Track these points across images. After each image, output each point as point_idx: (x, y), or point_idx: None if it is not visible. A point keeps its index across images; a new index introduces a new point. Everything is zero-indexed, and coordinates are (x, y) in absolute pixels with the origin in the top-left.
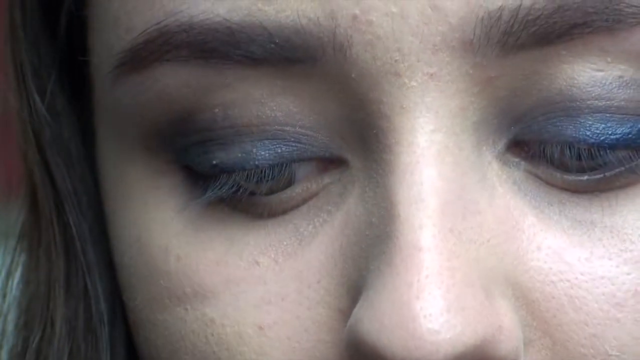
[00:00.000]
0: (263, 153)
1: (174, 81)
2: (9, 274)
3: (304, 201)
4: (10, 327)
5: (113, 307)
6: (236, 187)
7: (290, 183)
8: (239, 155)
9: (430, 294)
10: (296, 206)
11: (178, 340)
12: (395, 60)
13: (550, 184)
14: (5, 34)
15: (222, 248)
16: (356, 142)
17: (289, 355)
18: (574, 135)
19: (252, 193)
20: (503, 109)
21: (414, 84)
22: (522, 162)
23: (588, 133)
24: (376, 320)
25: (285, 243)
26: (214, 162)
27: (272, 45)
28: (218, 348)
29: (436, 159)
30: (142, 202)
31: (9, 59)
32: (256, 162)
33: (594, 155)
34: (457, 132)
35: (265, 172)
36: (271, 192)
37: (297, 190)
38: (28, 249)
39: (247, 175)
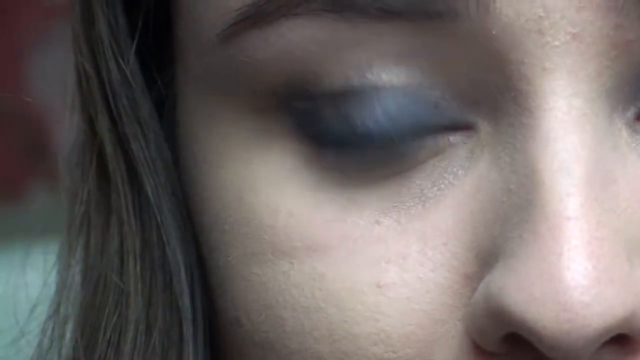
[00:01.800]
0: (402, 118)
1: (301, 37)
2: (68, 265)
3: (429, 158)
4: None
5: (192, 279)
6: (370, 155)
7: (419, 142)
8: (381, 120)
9: (581, 264)
10: (421, 163)
11: (276, 295)
12: (540, 17)
13: None
14: None
15: (340, 207)
16: (488, 105)
17: (407, 316)
18: None
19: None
20: (636, 75)
21: (557, 43)
22: None
23: None
24: (524, 291)
25: (408, 204)
26: (355, 130)
27: None
28: (325, 304)
29: (577, 125)
30: (246, 161)
31: (79, 20)
32: (397, 127)
33: None
34: (594, 98)
35: (405, 139)
36: (398, 149)
37: (423, 148)
38: (95, 227)
39: (388, 141)
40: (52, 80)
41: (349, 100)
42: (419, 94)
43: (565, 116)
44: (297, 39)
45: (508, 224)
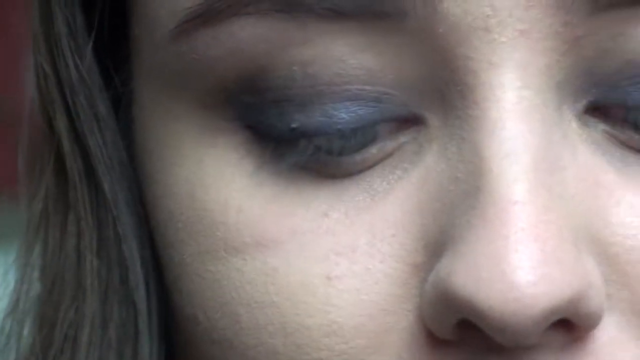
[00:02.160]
0: (345, 116)
1: (250, 36)
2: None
3: (380, 161)
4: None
5: (147, 275)
6: (316, 151)
7: (368, 145)
8: (320, 118)
9: (528, 246)
10: (371, 166)
11: (231, 291)
12: (487, 16)
13: (629, 146)
14: None
15: (287, 201)
16: (436, 100)
17: (357, 307)
18: None
19: (328, 153)
20: (587, 70)
21: (504, 39)
22: (601, 124)
23: None
24: (472, 273)
25: (357, 199)
26: (293, 125)
27: None
28: (278, 298)
29: (526, 114)
30: (196, 158)
31: (38, 19)
32: (338, 126)
33: None
34: (544, 90)
35: (346, 135)
36: (347, 153)
37: (372, 151)
38: (53, 224)
39: (328, 139)
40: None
41: (291, 96)
42: (361, 90)
43: (514, 106)
44: (248, 37)
45: (456, 212)
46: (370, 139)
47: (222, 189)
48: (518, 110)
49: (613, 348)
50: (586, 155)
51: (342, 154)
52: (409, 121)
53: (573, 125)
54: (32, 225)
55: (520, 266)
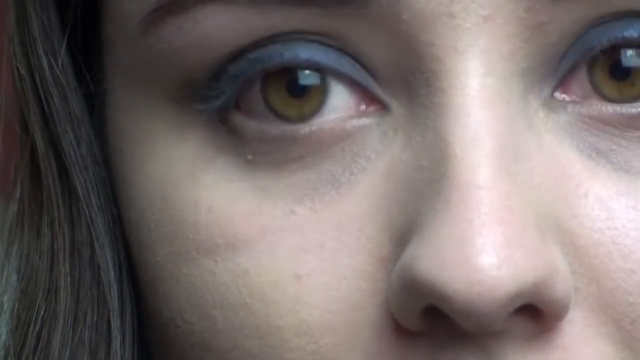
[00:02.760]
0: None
1: (215, 24)
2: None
3: (337, 140)
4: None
5: (121, 275)
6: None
7: (323, 101)
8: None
9: (492, 230)
10: (328, 145)
11: (205, 293)
12: (451, 1)
13: (599, 122)
14: None
15: (254, 198)
16: (401, 87)
17: (327, 304)
18: (620, 35)
19: (284, 119)
20: (551, 55)
21: (468, 25)
22: (569, 105)
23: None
24: (436, 257)
25: (322, 191)
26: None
27: None
28: (251, 299)
29: (489, 101)
30: (167, 156)
31: (14, 21)
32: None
33: None
34: (508, 77)
35: (297, 74)
36: (304, 114)
37: (330, 118)
38: (28, 225)
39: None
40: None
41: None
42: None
43: (478, 93)
44: (213, 25)
45: (421, 199)
46: (327, 93)
47: (192, 187)
48: (482, 97)
49: (580, 344)
50: (554, 145)
51: (298, 117)
52: (372, 101)
53: (539, 114)
54: (10, 226)
55: (484, 250)
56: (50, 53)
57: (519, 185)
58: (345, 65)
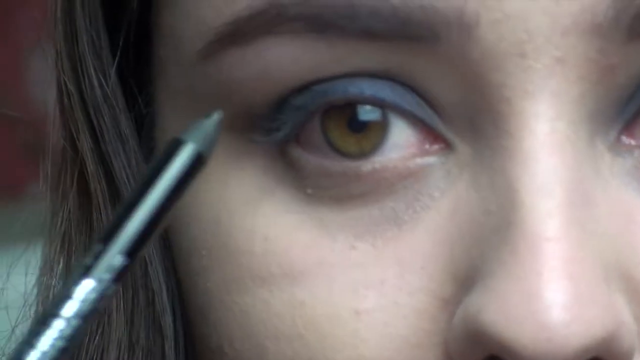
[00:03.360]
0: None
1: (279, 56)
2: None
3: (400, 178)
4: None
5: (173, 299)
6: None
7: (383, 137)
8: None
9: (561, 284)
10: (391, 183)
11: (257, 323)
12: (523, 41)
13: None
14: (61, 12)
15: (314, 230)
16: (466, 126)
17: (386, 342)
18: None
19: (344, 154)
20: (618, 98)
21: (540, 66)
22: (635, 150)
23: None
24: (503, 311)
25: (383, 227)
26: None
27: (395, 21)
28: (306, 331)
29: (558, 147)
30: (222, 183)
31: (62, 37)
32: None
33: None
34: (576, 121)
35: (358, 109)
36: (364, 149)
37: (392, 155)
38: (76, 247)
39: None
40: (53, 81)
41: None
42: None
43: (547, 138)
44: (277, 58)
45: (487, 246)
46: (388, 127)
47: (248, 216)
48: (551, 142)
49: None
50: (619, 190)
51: (359, 153)
52: (436, 139)
53: (605, 159)
54: (54, 247)
55: (553, 305)
56: (100, 71)
57: (588, 234)
58: (410, 102)
